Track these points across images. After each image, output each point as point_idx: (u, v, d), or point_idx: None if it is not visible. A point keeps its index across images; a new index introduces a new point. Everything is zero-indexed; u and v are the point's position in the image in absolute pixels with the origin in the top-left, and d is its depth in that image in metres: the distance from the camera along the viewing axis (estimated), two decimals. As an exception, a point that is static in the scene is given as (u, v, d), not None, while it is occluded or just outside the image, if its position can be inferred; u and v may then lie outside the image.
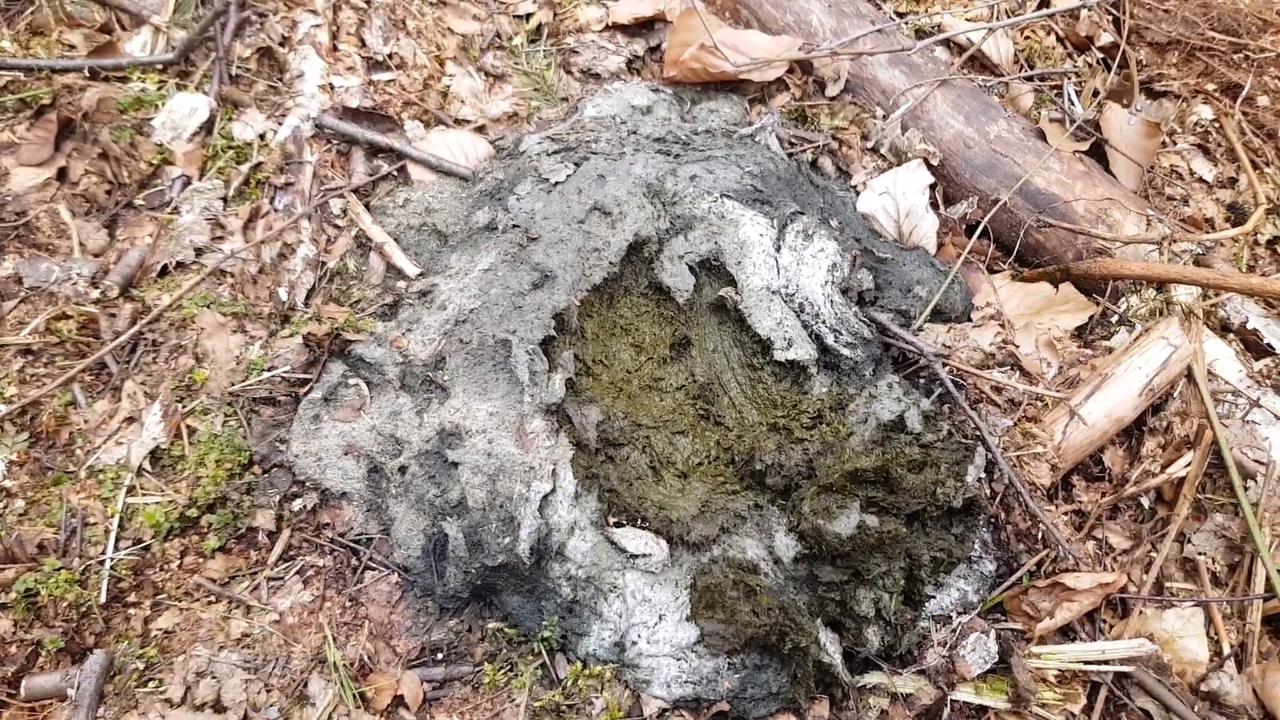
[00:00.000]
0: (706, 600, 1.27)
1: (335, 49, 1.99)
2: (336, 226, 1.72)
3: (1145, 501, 1.54)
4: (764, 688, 1.29)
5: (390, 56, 2.01)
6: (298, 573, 1.35)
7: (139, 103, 1.81)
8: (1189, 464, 1.53)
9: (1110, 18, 2.29)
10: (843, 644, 1.30)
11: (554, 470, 1.33)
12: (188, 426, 1.42)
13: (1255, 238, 1.97)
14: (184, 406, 1.43)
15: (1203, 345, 1.66)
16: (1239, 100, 2.16)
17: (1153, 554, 1.50)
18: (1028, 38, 2.27)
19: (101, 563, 1.29)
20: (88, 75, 1.83)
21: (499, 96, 2.06)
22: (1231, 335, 1.78)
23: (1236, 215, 1.99)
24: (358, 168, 1.81)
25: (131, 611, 1.28)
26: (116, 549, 1.31)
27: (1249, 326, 1.76)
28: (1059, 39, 2.28)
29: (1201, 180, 2.05)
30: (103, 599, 1.27)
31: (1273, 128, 2.12)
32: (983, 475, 1.41)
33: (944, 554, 1.34)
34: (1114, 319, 1.78)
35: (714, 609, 1.26)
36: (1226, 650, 1.40)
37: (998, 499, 1.45)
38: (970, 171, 1.95)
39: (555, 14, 2.23)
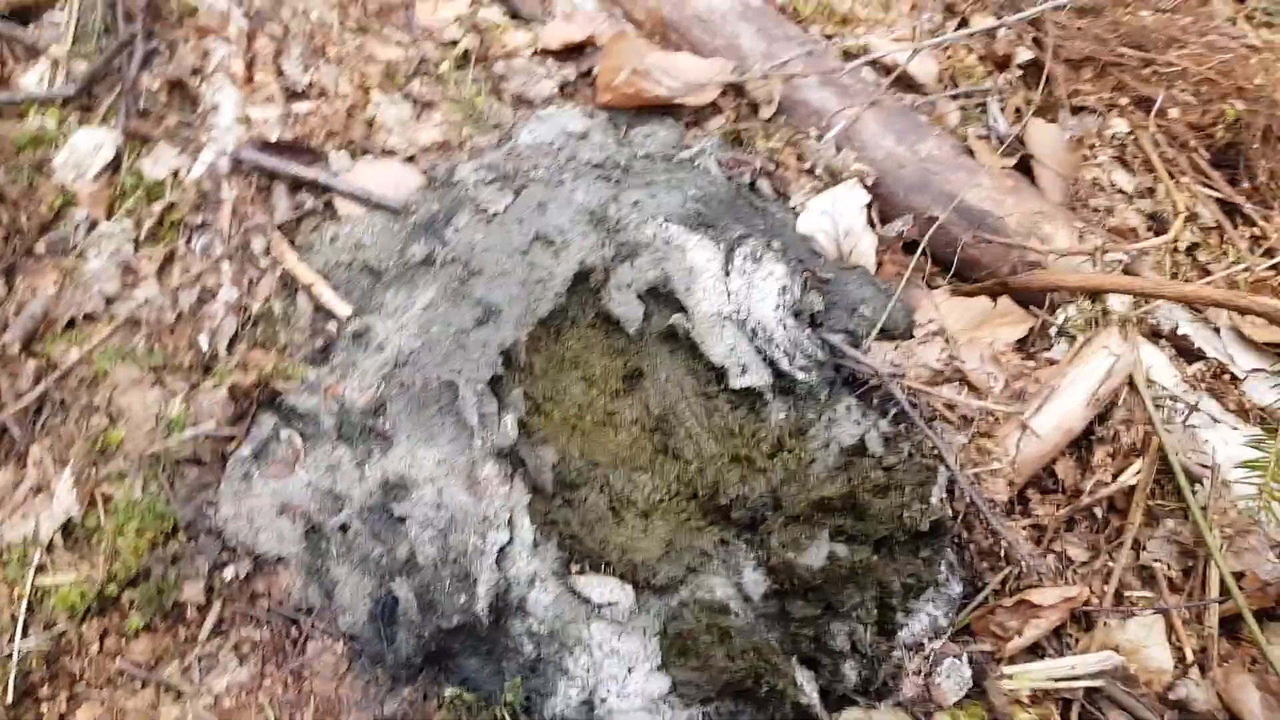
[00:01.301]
0: (678, 648, 1.18)
1: (251, 79, 1.85)
2: (259, 267, 1.58)
3: (1099, 511, 1.52)
4: (740, 734, 1.21)
5: (311, 86, 1.88)
6: (233, 648, 1.21)
7: (37, 140, 1.65)
8: (1138, 471, 1.52)
9: (1031, 36, 2.32)
10: (819, 681, 1.23)
11: (510, 518, 1.23)
12: (103, 494, 1.27)
13: (1175, 245, 2.00)
14: (98, 472, 1.28)
15: (1140, 353, 1.66)
16: (1152, 113, 2.21)
17: (1110, 564, 1.48)
18: (950, 57, 2.27)
19: (9, 656, 1.14)
20: (-22, 112, 1.65)
21: (428, 124, 1.95)
22: (1163, 341, 1.79)
23: (1158, 224, 2.02)
24: (280, 204, 1.68)
25: (44, 708, 1.13)
26: (25, 637, 1.15)
27: (1180, 332, 1.77)
28: (980, 58, 2.30)
29: (1122, 191, 2.08)
30: (9, 699, 1.11)
31: (1185, 138, 2.17)
32: (944, 495, 1.37)
33: (914, 579, 1.29)
34: (1053, 330, 1.77)
35: (686, 656, 1.18)
36: (1190, 656, 1.38)
37: (959, 518, 1.41)
38: (903, 190, 1.93)
39: (482, 40, 2.14)
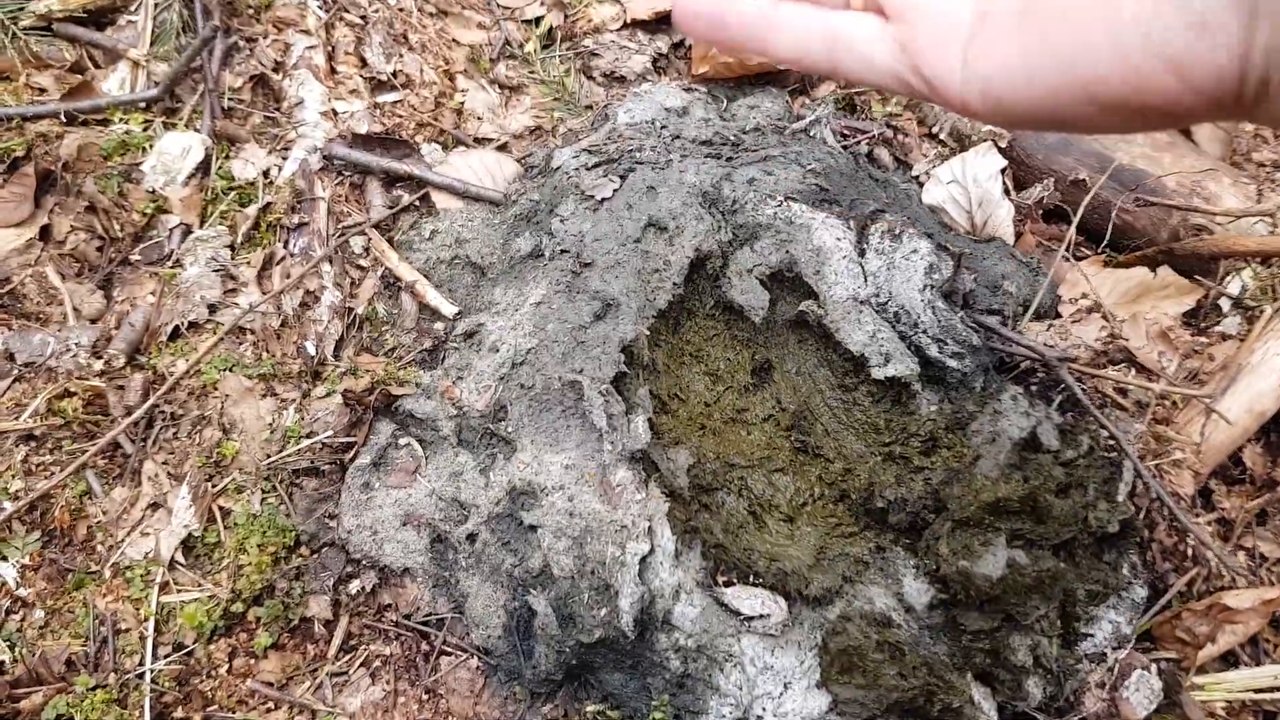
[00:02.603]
0: (842, 664, 1.17)
1: (334, 71, 1.90)
2: (360, 267, 1.62)
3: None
4: (909, 755, 1.19)
5: (395, 75, 1.92)
6: (363, 665, 1.24)
7: (124, 146, 1.71)
8: (1341, 457, 1.45)
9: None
10: (996, 698, 1.20)
11: (650, 527, 1.23)
12: (221, 508, 1.31)
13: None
14: (215, 486, 1.33)
15: (1330, 323, 1.58)
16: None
17: (1312, 562, 1.41)
18: None
19: (140, 676, 1.18)
20: (64, 120, 1.73)
21: (518, 110, 1.97)
22: (1353, 309, 1.70)
23: (1336, 177, 1.93)
24: (375, 200, 1.71)
25: (181, 731, 1.17)
26: (155, 658, 1.20)
27: (1374, 298, 1.68)
28: None
29: (1291, 143, 1.99)
30: (147, 718, 1.15)
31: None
32: (1128, 491, 1.32)
33: (1099, 585, 1.25)
34: (1224, 303, 1.70)
35: (851, 673, 1.17)
36: None
37: (1141, 515, 1.36)
38: (1043, 151, 1.88)
39: (566, 15, 2.15)
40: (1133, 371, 1.51)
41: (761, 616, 1.21)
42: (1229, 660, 1.36)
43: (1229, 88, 0.46)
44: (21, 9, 1.87)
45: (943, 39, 0.54)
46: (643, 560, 1.21)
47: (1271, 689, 1.31)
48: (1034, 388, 1.48)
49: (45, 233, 1.62)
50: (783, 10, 0.57)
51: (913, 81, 0.56)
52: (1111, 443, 1.36)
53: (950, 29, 0.54)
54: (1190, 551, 1.37)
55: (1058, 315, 1.70)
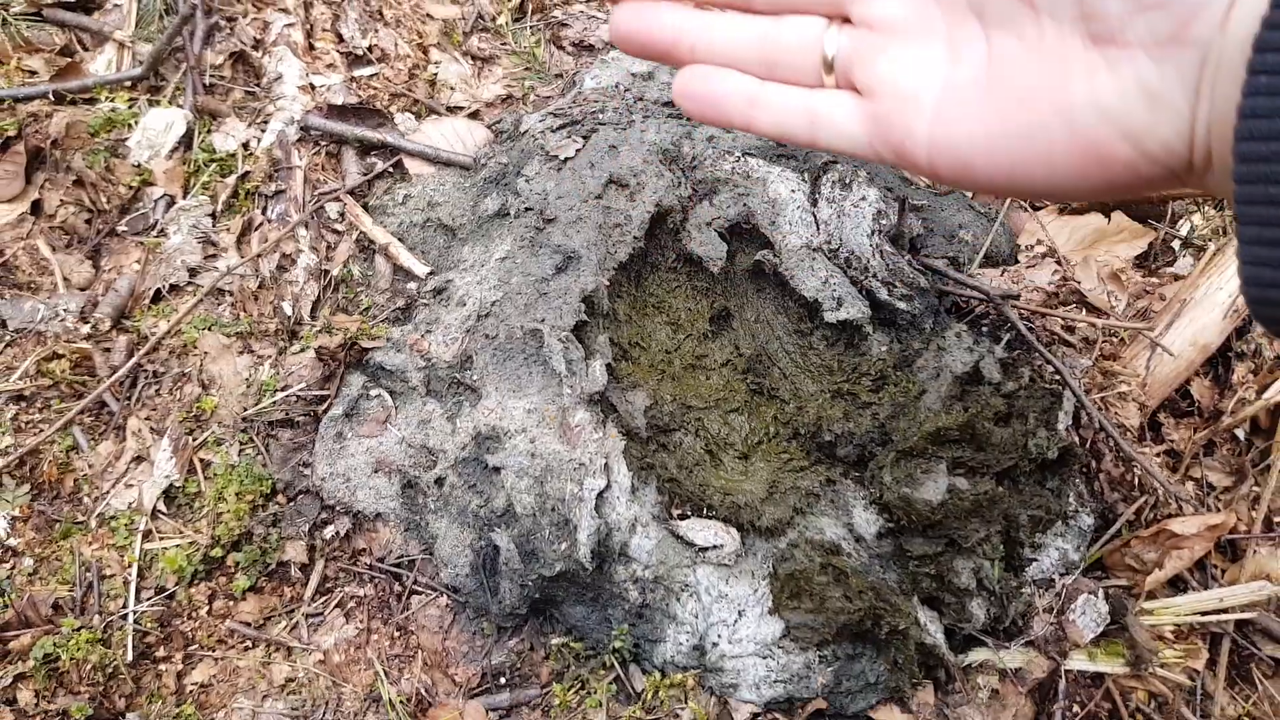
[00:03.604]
0: (791, 589, 1.17)
1: (312, 47, 1.89)
2: (336, 231, 1.62)
3: (1241, 433, 1.44)
4: (860, 679, 1.19)
5: (371, 49, 1.91)
6: (338, 606, 1.25)
7: (110, 123, 1.72)
8: (1285, 387, 1.43)
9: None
10: (943, 621, 1.20)
11: (606, 464, 1.23)
12: (201, 460, 1.32)
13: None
14: (195, 439, 1.34)
15: None
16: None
17: (1256, 488, 1.40)
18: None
19: (124, 618, 1.19)
20: (53, 100, 1.73)
21: (489, 80, 1.96)
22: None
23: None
24: (351, 168, 1.71)
25: (162, 667, 1.18)
26: (138, 601, 1.21)
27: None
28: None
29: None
30: (129, 657, 1.17)
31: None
32: (1070, 423, 1.31)
33: (1042, 511, 1.24)
34: (1175, 244, 1.68)
35: (800, 598, 1.17)
36: (1356, 584, 1.30)
37: (1087, 445, 1.36)
38: (1001, 105, 1.85)
39: (537, -6, 2.14)
40: (1083, 311, 1.49)
41: (715, 547, 1.21)
42: (1177, 585, 1.35)
43: (1180, 158, 0.47)
44: (13, -3, 1.87)
45: (910, 114, 0.57)
46: (599, 495, 1.21)
47: (1217, 611, 1.30)
48: (984, 328, 1.47)
49: (36, 207, 1.63)
50: (768, 90, 0.61)
51: (884, 152, 0.58)
52: (1057, 376, 1.35)
53: (916, 105, 0.57)
54: (1138, 481, 1.36)
55: (1016, 262, 1.69)
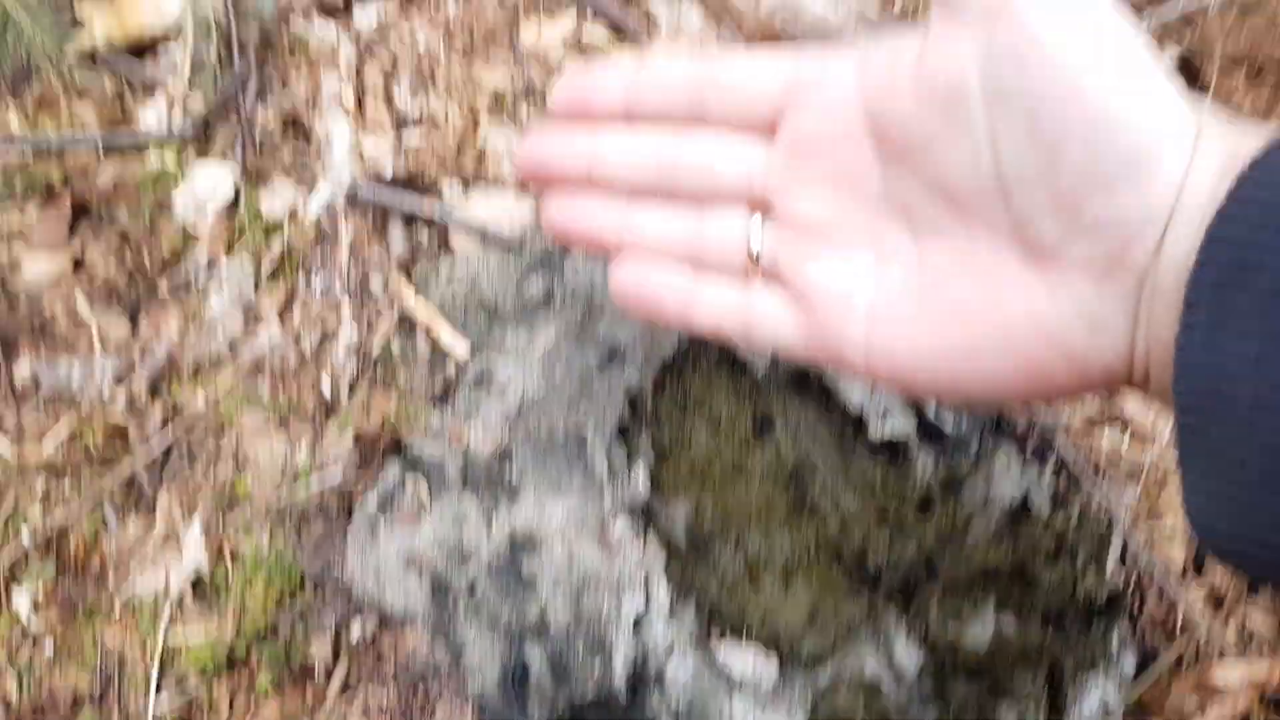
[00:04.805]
0: (831, 730, 1.12)
1: (362, 110, 1.86)
2: (378, 307, 1.58)
3: (1286, 576, 1.39)
4: (895, 821, 1.14)
5: (421, 115, 1.88)
6: (362, 712, 1.20)
7: (158, 179, 1.69)
8: (1333, 532, 1.38)
9: (1184, 34, 2.18)
10: (983, 768, 1.15)
11: (646, 579, 1.19)
12: (231, 546, 1.27)
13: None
14: (226, 523, 1.29)
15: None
16: (1315, 119, 2.04)
17: (1303, 637, 1.35)
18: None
19: (143, 712, 1.14)
20: (101, 151, 1.70)
21: (537, 152, 1.93)
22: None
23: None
24: (396, 239, 1.67)
25: (181, 770, 1.13)
26: (158, 695, 1.16)
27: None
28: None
29: None
30: (147, 758, 1.12)
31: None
32: (1118, 562, 1.27)
33: (1086, 656, 1.19)
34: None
35: (839, 739, 1.12)
36: (1405, 749, 1.25)
37: (1131, 584, 1.31)
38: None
39: (586, 60, 2.12)
40: (1128, 437, 1.45)
41: (753, 677, 1.16)
42: (1217, 733, 1.30)
43: (1119, 375, 0.48)
44: (66, 36, 1.85)
45: (843, 322, 0.56)
46: (638, 616, 1.16)
47: (1258, 765, 1.25)
48: (1030, 448, 1.43)
49: (78, 261, 1.60)
50: (702, 289, 0.60)
51: (821, 358, 0.58)
52: (1105, 510, 1.30)
53: (849, 313, 0.56)
54: (1180, 622, 1.31)
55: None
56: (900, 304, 0.54)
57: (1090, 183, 0.46)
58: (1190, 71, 2.18)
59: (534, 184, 0.67)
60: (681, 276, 0.60)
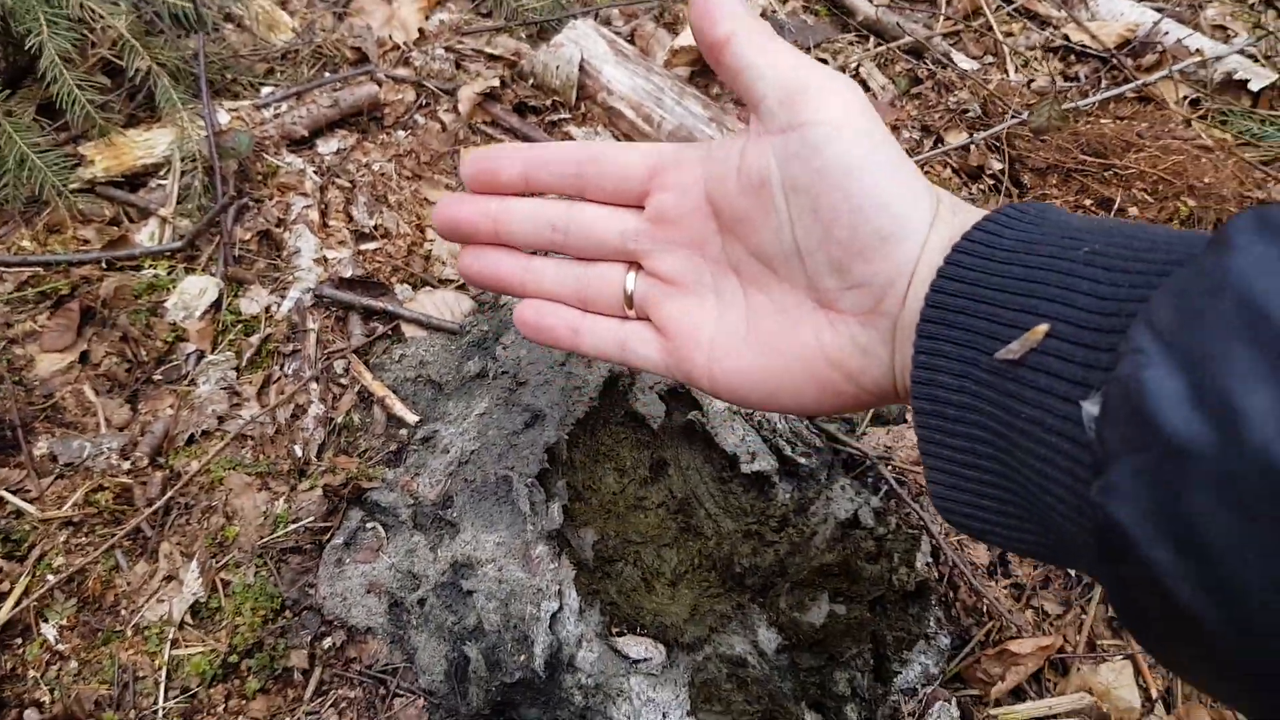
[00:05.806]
0: (705, 695, 1.43)
1: (326, 226, 2.23)
2: (340, 385, 1.91)
3: (1072, 571, 1.75)
4: (761, 770, 1.44)
5: (376, 229, 2.25)
6: (332, 706, 1.47)
7: (152, 287, 2.01)
8: (1104, 533, 1.76)
9: (1000, 150, 2.67)
10: (826, 722, 1.46)
11: (560, 589, 1.50)
12: (222, 580, 1.56)
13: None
14: (218, 562, 1.58)
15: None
16: (1113, 211, 2.52)
17: (1083, 616, 1.70)
18: (928, 172, 2.62)
19: (155, 713, 1.41)
20: (104, 266, 2.03)
21: (474, 255, 2.30)
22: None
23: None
24: (355, 330, 2.02)
25: (185, 757, 1.39)
26: (166, 699, 1.43)
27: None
28: (954, 170, 2.64)
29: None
30: (158, 747, 1.38)
31: (1139, 236, 2.47)
32: (930, 560, 1.62)
33: (904, 633, 1.53)
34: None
35: (711, 702, 1.43)
36: (1155, 695, 1.60)
37: (945, 580, 1.66)
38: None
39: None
40: (947, 467, 1.82)
41: (646, 660, 1.47)
42: (1018, 695, 1.63)
43: (888, 391, 0.60)
44: (71, 172, 2.19)
45: (693, 350, 0.68)
46: (553, 616, 1.47)
47: (1048, 716, 1.58)
48: (869, 480, 1.80)
49: (84, 356, 1.90)
50: (588, 320, 0.74)
51: (679, 376, 0.70)
52: (921, 522, 1.66)
53: (697, 343, 0.68)
54: (987, 609, 1.66)
55: (904, 421, 2.03)
56: (733, 337, 0.65)
57: (853, 252, 0.57)
58: (1012, 177, 2.67)
59: (449, 239, 0.88)
60: (572, 312, 0.73)
